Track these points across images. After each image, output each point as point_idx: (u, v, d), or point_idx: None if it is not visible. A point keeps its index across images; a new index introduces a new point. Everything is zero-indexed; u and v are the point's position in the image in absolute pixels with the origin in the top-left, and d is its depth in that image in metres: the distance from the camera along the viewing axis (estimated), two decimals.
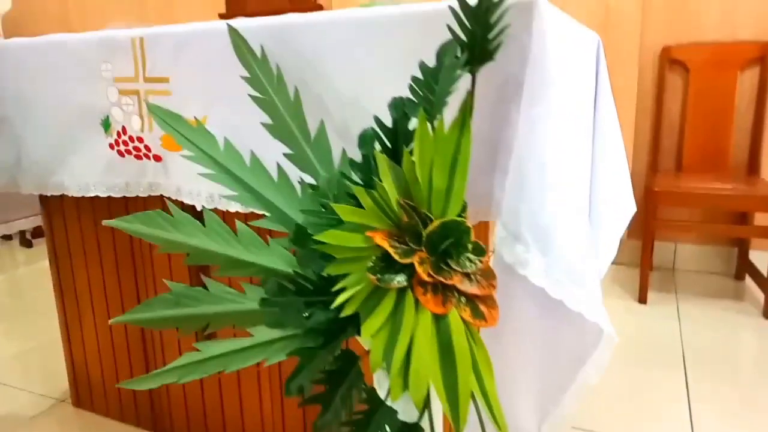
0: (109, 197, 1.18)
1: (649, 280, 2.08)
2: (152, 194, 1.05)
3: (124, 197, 1.15)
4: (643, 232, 2.02)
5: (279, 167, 0.76)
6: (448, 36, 0.67)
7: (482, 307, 0.62)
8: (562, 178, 0.68)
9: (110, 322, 0.67)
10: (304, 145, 0.76)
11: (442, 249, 0.62)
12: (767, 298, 1.91)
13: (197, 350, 0.67)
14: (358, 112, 0.79)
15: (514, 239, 0.69)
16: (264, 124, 0.76)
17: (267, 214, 0.76)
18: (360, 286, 0.61)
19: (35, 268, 2.72)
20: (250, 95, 0.77)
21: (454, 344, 0.59)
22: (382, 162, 0.62)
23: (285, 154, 0.76)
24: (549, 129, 0.68)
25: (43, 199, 1.36)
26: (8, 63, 1.09)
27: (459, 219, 0.62)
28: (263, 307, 0.68)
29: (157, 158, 1.00)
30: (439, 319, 0.60)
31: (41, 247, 3.07)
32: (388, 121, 0.67)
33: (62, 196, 1.25)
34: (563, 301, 0.66)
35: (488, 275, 0.64)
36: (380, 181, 0.64)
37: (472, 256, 0.63)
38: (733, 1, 2.14)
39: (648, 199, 1.98)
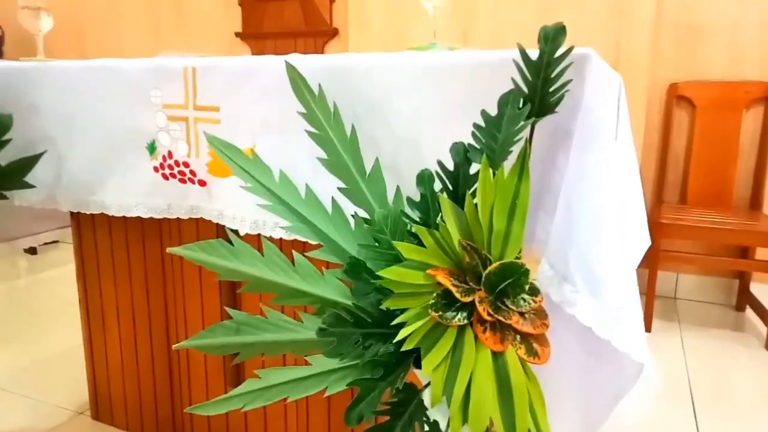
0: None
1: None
2: (193, 216, 1.08)
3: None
4: (649, 262, 2.06)
5: (334, 200, 0.80)
6: (505, 84, 0.71)
7: (535, 345, 0.66)
8: (612, 222, 0.72)
9: (174, 347, 0.69)
10: (359, 180, 0.79)
11: (500, 289, 0.65)
12: None
13: (257, 377, 0.70)
14: (409, 153, 0.82)
15: (561, 279, 0.72)
16: (320, 159, 0.80)
17: (321, 244, 0.79)
18: (422, 322, 0.65)
19: (42, 278, 2.72)
20: (306, 131, 0.80)
21: (512, 381, 0.62)
22: (446, 204, 0.66)
23: (340, 188, 0.79)
24: (599, 176, 0.72)
25: (74, 214, 1.38)
26: (55, 83, 1.11)
27: (518, 261, 0.65)
28: (321, 337, 0.70)
29: (202, 183, 1.03)
30: (498, 357, 0.63)
31: (46, 254, 3.07)
32: (449, 164, 0.70)
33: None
34: (611, 341, 0.69)
35: (541, 314, 0.67)
36: (441, 221, 0.67)
37: (526, 296, 0.66)
38: (739, 42, 2.22)
39: (653, 230, 2.03)
